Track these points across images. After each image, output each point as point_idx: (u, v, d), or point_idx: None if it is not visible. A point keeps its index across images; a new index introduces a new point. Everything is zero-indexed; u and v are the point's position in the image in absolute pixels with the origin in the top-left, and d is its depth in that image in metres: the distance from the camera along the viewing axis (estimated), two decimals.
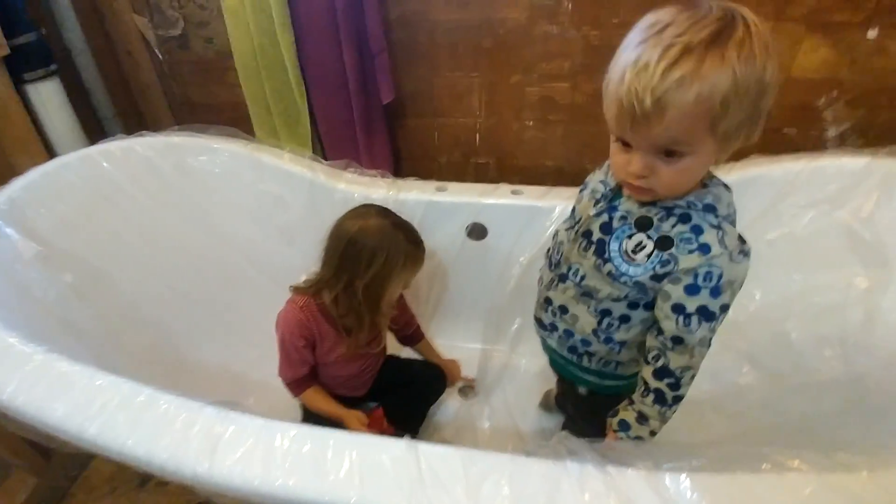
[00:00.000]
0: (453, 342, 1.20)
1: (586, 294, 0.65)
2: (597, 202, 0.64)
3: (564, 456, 0.57)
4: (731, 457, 0.57)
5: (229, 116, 1.29)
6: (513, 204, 1.04)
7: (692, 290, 0.56)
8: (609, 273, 0.61)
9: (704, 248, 0.55)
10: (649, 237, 0.58)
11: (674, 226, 0.57)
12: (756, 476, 0.52)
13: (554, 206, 1.00)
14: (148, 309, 1.06)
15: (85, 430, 0.62)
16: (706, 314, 0.57)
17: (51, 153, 1.16)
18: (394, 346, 1.10)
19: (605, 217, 0.63)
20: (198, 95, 1.35)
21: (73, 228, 0.97)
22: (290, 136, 1.20)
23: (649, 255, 0.58)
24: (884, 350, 0.82)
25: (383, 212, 0.82)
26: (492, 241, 1.08)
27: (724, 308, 0.57)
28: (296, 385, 0.88)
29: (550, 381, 1.02)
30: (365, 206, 0.84)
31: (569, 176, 1.21)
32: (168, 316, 1.09)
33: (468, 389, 1.13)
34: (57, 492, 1.08)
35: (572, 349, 0.71)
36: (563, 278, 0.68)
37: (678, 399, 0.64)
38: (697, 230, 0.55)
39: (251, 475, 0.57)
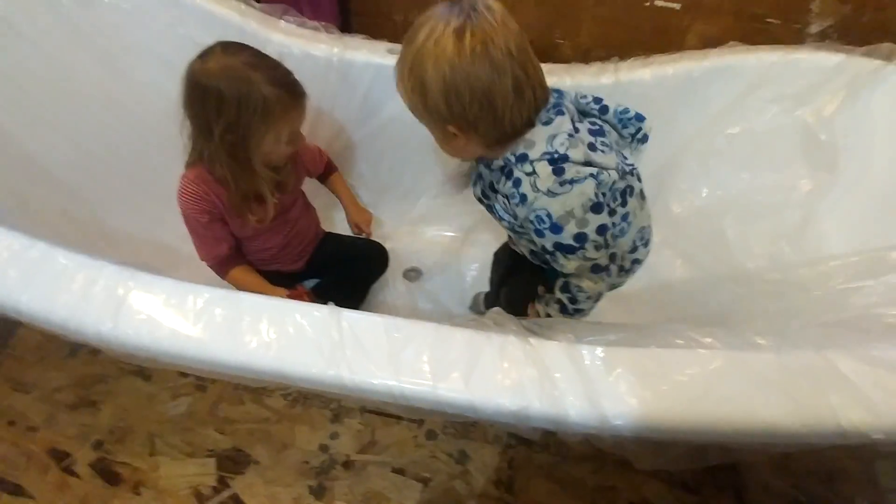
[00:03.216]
0: (402, 224, 1.16)
1: (518, 235, 0.70)
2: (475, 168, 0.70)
3: (489, 328, 0.57)
4: (649, 333, 0.59)
5: None
6: None
7: (538, 233, 0.59)
8: (508, 228, 0.67)
9: (523, 199, 0.58)
10: (502, 195, 0.62)
11: (505, 183, 0.60)
12: (668, 351, 0.54)
13: None
14: (55, 169, 0.94)
15: None
16: (563, 248, 0.59)
17: None
18: (333, 224, 1.05)
19: (480, 184, 0.68)
20: None
21: None
22: None
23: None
24: (811, 252, 0.85)
25: (234, 48, 0.69)
26: None
27: (580, 237, 0.58)
28: (218, 266, 0.83)
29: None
30: (216, 43, 0.69)
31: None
32: (79, 178, 0.98)
33: (414, 273, 1.12)
34: None
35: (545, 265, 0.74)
36: (498, 219, 0.70)
37: (578, 311, 0.70)
38: (517, 183, 0.58)
39: (160, 335, 0.54)
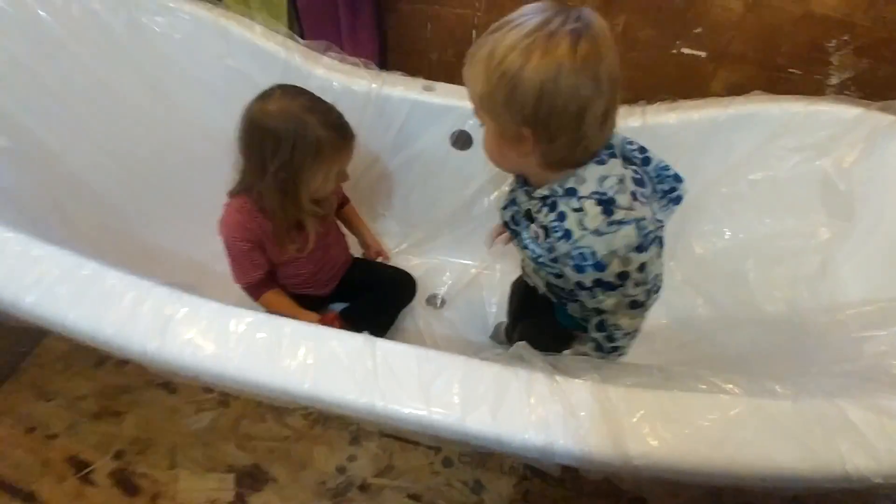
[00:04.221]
0: (430, 253, 1.19)
1: (539, 266, 0.68)
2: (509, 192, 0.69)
3: (516, 364, 0.59)
4: (673, 377, 0.60)
5: None
6: None
7: (579, 269, 0.58)
8: (531, 258, 0.65)
9: (567, 235, 0.57)
10: (539, 226, 0.61)
11: (546, 215, 0.59)
12: (691, 395, 0.56)
13: None
14: (97, 186, 0.99)
15: (20, 299, 0.59)
16: (604, 285, 0.59)
17: None
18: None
19: (511, 209, 0.68)
20: None
21: (6, 85, 0.87)
22: (263, 4, 1.06)
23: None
24: (828, 298, 0.86)
25: (292, 92, 0.73)
26: (477, 152, 1.02)
27: (623, 276, 0.57)
28: (252, 289, 0.86)
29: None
30: (275, 86, 0.74)
31: None
32: (121, 196, 1.02)
33: (437, 300, 1.14)
34: (6, 366, 1.06)
35: (557, 300, 0.74)
36: (522, 248, 0.69)
37: (615, 350, 0.68)
38: (562, 217, 0.57)
39: (203, 355, 0.57)
